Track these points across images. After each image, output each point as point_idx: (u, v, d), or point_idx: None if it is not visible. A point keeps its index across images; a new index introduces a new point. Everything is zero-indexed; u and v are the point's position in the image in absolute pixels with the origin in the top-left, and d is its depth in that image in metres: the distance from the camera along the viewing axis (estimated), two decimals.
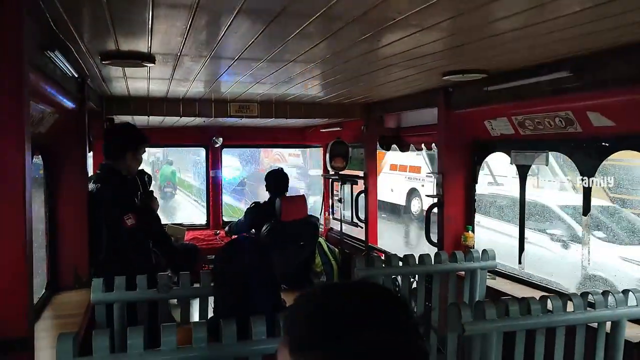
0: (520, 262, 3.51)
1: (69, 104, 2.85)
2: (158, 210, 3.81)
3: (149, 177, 4.01)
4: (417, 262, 3.18)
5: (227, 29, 2.01)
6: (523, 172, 3.45)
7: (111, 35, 2.13)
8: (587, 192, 2.96)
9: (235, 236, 5.42)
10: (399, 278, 3.45)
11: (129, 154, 3.51)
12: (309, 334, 0.81)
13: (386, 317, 0.83)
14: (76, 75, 2.85)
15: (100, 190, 3.36)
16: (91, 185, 3.39)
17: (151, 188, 4.11)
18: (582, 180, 2.92)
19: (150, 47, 2.35)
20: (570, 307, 2.26)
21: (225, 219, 6.51)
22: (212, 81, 3.44)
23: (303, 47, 2.41)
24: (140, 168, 3.78)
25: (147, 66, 2.67)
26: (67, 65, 2.46)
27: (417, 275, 3.31)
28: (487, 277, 3.39)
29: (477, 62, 2.82)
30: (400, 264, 3.20)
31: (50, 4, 1.68)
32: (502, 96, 3.11)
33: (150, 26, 1.97)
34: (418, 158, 14.10)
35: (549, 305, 2.23)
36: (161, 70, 2.96)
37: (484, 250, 3.31)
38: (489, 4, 1.78)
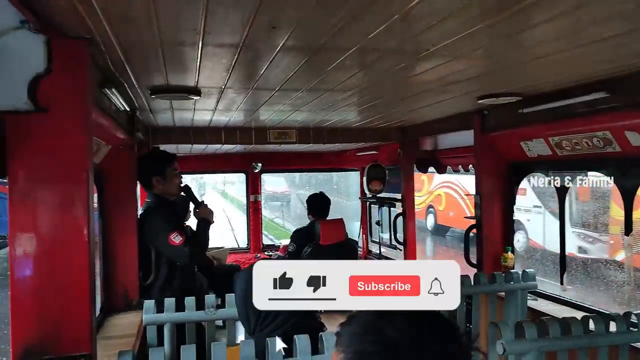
0: (562, 283, 3.47)
1: (120, 136, 3.03)
2: (213, 217, 3.72)
3: (187, 187, 3.76)
4: None
5: (269, 64, 2.14)
6: (562, 193, 3.44)
7: (162, 72, 2.30)
8: (628, 212, 2.94)
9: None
10: None
11: (155, 178, 3.53)
12: (365, 349, 0.89)
13: (439, 339, 0.90)
14: (127, 109, 3.04)
15: (144, 216, 3.52)
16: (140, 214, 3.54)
17: (200, 198, 3.85)
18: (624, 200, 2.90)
19: (198, 81, 2.50)
20: (612, 327, 2.25)
21: (265, 242, 6.64)
22: (253, 110, 3.59)
23: (340, 77, 2.52)
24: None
25: (193, 99, 2.82)
26: (120, 100, 2.64)
27: None
28: (528, 298, 3.37)
29: (511, 85, 2.87)
30: None
31: (110, 48, 1.84)
32: (538, 118, 3.12)
33: (198, 63, 2.12)
34: None
35: (591, 326, 2.23)
36: (206, 102, 3.12)
37: (524, 271, 3.30)
38: (524, 32, 1.83)
